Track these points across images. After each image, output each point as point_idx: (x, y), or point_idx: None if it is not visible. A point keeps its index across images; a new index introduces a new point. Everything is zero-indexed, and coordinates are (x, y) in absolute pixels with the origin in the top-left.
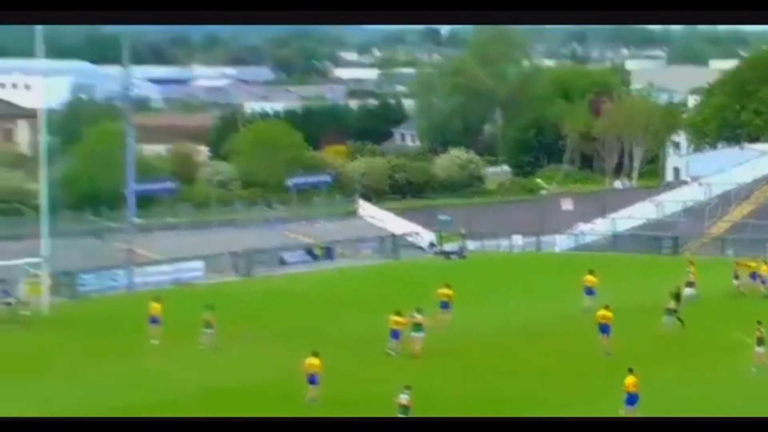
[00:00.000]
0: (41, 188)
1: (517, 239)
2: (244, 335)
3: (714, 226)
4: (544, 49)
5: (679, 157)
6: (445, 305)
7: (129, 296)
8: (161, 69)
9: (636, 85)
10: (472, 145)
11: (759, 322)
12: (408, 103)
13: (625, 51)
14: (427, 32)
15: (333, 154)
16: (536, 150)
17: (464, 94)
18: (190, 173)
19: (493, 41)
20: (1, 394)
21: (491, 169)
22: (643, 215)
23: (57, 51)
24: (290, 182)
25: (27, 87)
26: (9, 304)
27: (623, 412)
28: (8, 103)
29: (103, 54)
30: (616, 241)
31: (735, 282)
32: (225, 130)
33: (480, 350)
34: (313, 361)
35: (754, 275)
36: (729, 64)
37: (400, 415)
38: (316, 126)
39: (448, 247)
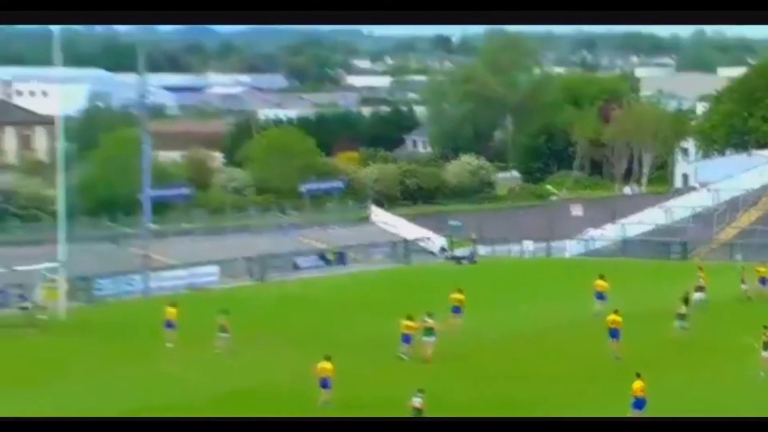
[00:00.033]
0: (59, 194)
1: (528, 244)
2: (258, 339)
3: (722, 232)
4: (554, 57)
5: (687, 164)
6: (456, 310)
7: (145, 301)
8: (176, 77)
9: (645, 92)
10: (483, 151)
11: (766, 327)
12: (419, 110)
13: (634, 58)
14: (439, 40)
15: (345, 160)
16: (546, 156)
17: (475, 101)
18: (204, 179)
19: (504, 49)
20: (19, 398)
21: (502, 175)
22: (653, 221)
23: (74, 59)
24: (303, 188)
25: (45, 94)
26: (26, 308)
27: (631, 416)
28: (26, 111)
29: (119, 62)
30: (625, 246)
31: (743, 287)
32: (239, 136)
33: (491, 354)
34: (326, 365)
35: (763, 280)
36: (737, 71)
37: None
38: (329, 133)
39: (459, 252)
